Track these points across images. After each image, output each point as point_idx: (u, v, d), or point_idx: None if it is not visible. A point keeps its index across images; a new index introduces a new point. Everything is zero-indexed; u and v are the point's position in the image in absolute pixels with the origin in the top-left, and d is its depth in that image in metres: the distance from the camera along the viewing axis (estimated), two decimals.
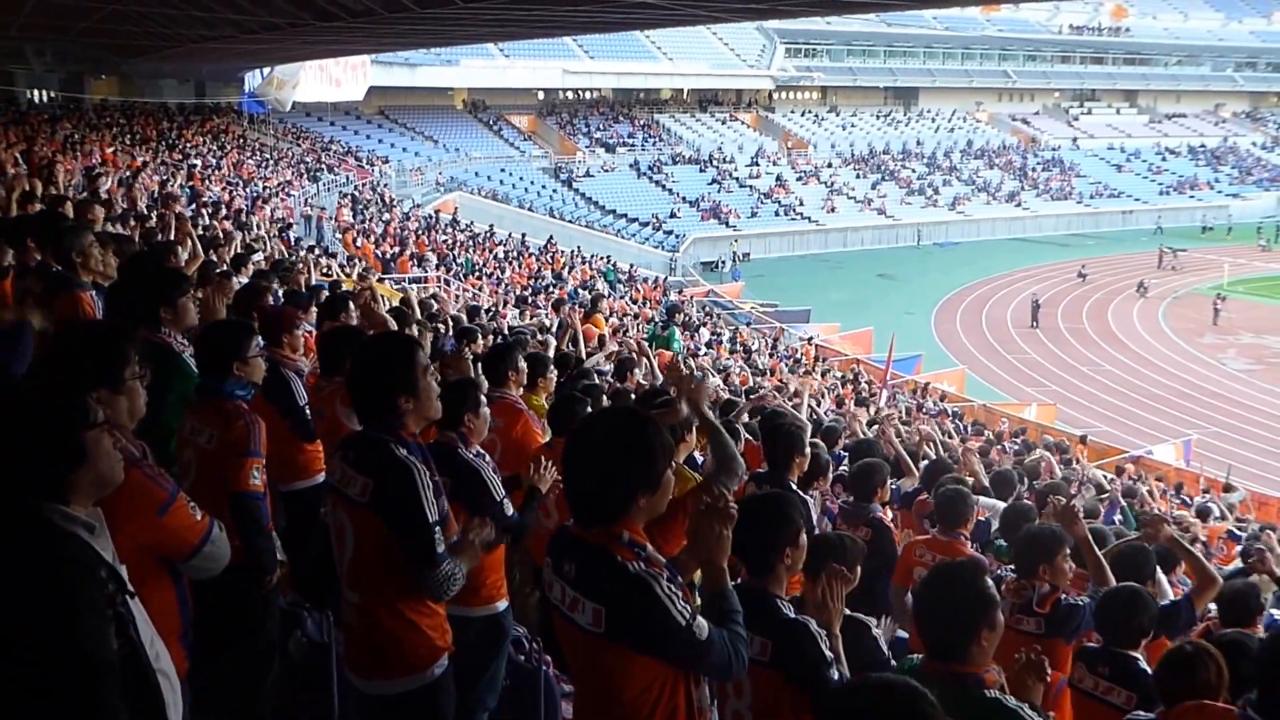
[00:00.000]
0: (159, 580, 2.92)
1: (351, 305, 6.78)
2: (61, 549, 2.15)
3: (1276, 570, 6.12)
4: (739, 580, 3.13)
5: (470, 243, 33.52)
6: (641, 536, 2.57)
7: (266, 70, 35.68)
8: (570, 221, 44.36)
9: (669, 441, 2.61)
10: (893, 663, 3.62)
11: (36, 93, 36.05)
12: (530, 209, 44.46)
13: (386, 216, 32.66)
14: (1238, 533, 12.41)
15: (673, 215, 47.80)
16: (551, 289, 27.98)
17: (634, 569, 2.46)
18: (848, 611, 3.63)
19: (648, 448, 2.53)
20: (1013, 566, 4.72)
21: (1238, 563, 9.11)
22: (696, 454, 5.36)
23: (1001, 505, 6.65)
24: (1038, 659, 3.08)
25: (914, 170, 58.14)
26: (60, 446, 2.24)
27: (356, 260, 22.36)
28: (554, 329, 11.61)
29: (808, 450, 5.05)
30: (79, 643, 2.00)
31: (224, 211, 20.04)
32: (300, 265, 10.87)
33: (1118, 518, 9.93)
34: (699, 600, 2.74)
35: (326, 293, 8.63)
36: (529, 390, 5.66)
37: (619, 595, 2.45)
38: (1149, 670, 3.76)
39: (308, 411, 4.96)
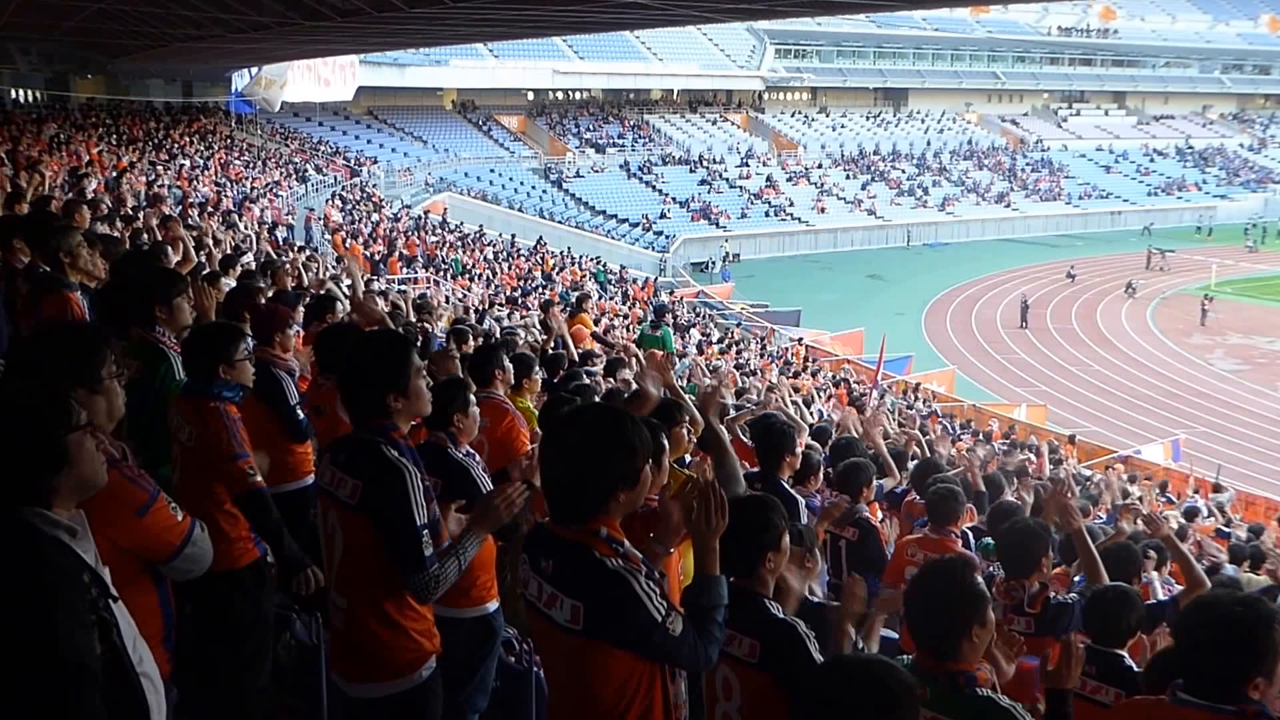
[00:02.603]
0: (141, 583, 2.89)
1: (339, 305, 6.75)
2: (43, 554, 2.11)
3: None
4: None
5: (459, 244, 33.46)
6: (619, 532, 2.57)
7: (254, 70, 35.55)
8: (560, 222, 44.35)
9: (648, 437, 2.59)
10: (860, 645, 3.64)
11: (22, 92, 35.87)
12: (520, 210, 44.44)
13: (375, 217, 32.60)
14: (1226, 531, 12.46)
15: (663, 216, 47.84)
16: (541, 290, 27.96)
17: (612, 565, 2.46)
18: (820, 599, 3.64)
19: (626, 444, 2.52)
20: (1000, 563, 4.71)
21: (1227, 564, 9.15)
22: (687, 456, 5.35)
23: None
24: (1008, 636, 3.09)
25: (904, 171, 58.31)
26: (42, 449, 2.21)
27: (347, 260, 22.27)
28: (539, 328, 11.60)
29: (799, 450, 5.05)
30: (58, 650, 1.97)
31: (211, 211, 19.96)
32: (287, 265, 10.83)
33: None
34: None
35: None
36: (514, 392, 5.63)
37: (598, 591, 2.45)
38: (1135, 668, 3.76)
39: (299, 412, 4.93)
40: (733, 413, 7.62)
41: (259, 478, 3.85)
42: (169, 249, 7.40)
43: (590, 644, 2.48)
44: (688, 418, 4.56)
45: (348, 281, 7.58)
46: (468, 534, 3.14)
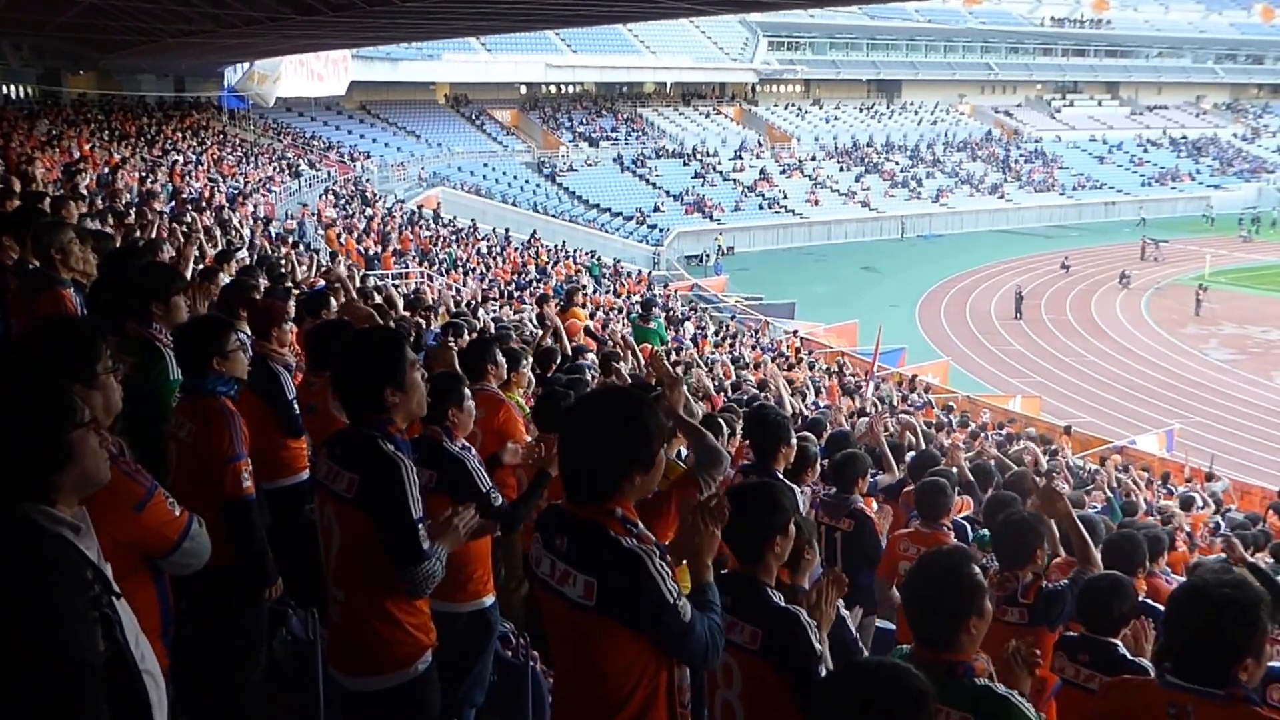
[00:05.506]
0: (139, 578, 2.89)
1: (333, 301, 6.74)
2: (45, 551, 2.11)
3: (1248, 557, 6.19)
4: (726, 570, 3.14)
5: (454, 238, 33.41)
6: (634, 513, 2.62)
7: (246, 65, 35.44)
8: (554, 216, 44.30)
9: (664, 422, 2.66)
10: (860, 644, 3.65)
11: (13, 88, 35.73)
12: (514, 204, 44.36)
13: (369, 212, 32.53)
14: (1222, 522, 12.48)
15: (656, 209, 47.75)
16: (536, 284, 27.93)
17: (627, 544, 2.50)
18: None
19: (644, 427, 2.57)
20: (994, 555, 4.72)
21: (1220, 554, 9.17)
22: (683, 449, 5.35)
23: None
24: (1028, 650, 3.10)
25: (897, 163, 58.29)
26: (46, 446, 2.20)
27: (341, 257, 22.25)
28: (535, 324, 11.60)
29: (794, 441, 5.05)
30: (61, 647, 1.97)
31: (204, 207, 19.90)
32: (284, 263, 10.81)
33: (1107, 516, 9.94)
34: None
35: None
36: (503, 386, 5.63)
37: (612, 568, 2.49)
38: (1129, 657, 3.77)
39: (295, 406, 4.93)
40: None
41: (250, 484, 3.83)
42: (165, 245, 7.39)
43: (601, 621, 2.50)
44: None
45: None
46: (437, 544, 3.16)
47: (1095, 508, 9.99)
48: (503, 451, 4.70)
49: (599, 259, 36.16)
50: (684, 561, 2.75)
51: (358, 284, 8.89)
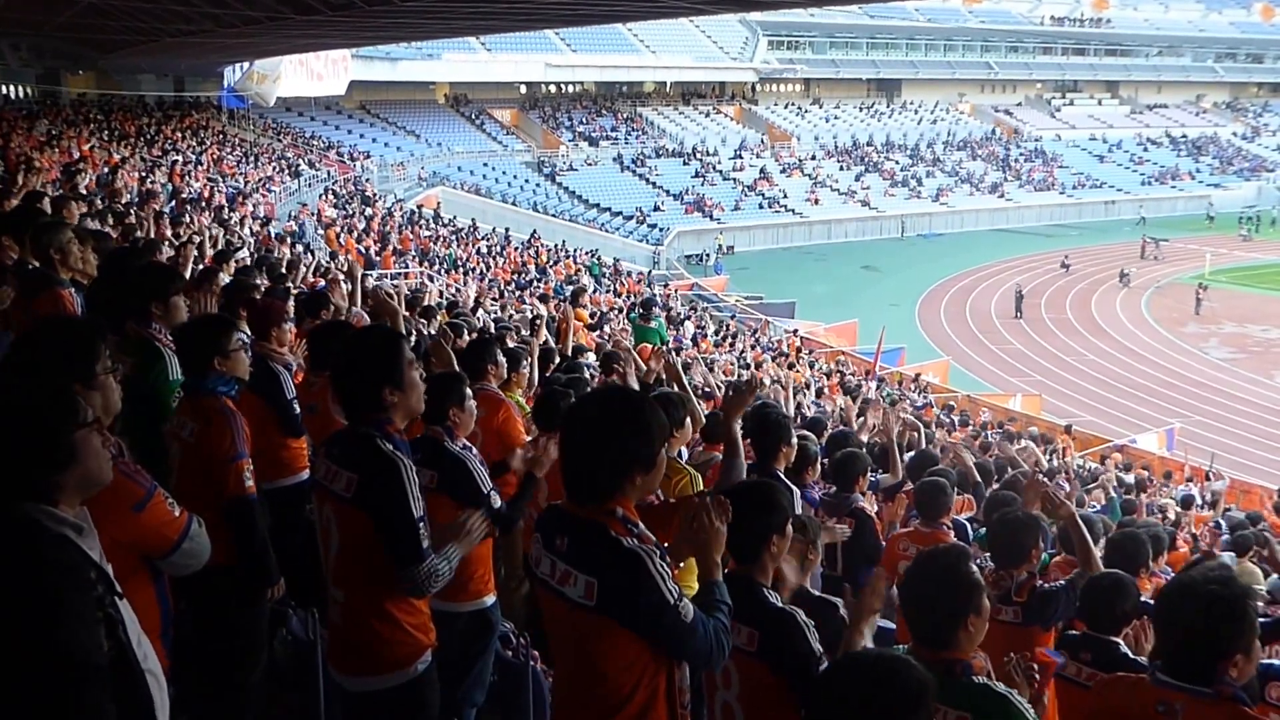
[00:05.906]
0: (138, 578, 2.89)
1: (331, 303, 6.73)
2: (48, 551, 2.11)
3: None
4: (725, 570, 3.14)
5: (453, 238, 33.41)
6: (634, 514, 2.62)
7: (246, 65, 35.43)
8: (554, 215, 44.30)
9: (665, 421, 2.67)
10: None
11: (12, 88, 35.70)
12: (514, 203, 44.34)
13: (369, 212, 32.53)
14: (1221, 521, 12.48)
15: (656, 209, 47.74)
16: (536, 284, 27.95)
17: (628, 544, 2.50)
18: (818, 593, 3.63)
19: (645, 427, 2.58)
20: (990, 554, 4.70)
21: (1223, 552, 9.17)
22: (684, 449, 5.35)
23: None
24: (1027, 665, 3.10)
25: (897, 162, 58.26)
26: (49, 447, 2.20)
27: (341, 256, 22.25)
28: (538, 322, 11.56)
29: (795, 440, 5.05)
30: (62, 647, 1.97)
31: (204, 207, 19.90)
32: (280, 262, 10.80)
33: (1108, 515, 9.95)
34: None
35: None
36: (502, 387, 5.63)
37: (612, 568, 2.49)
38: (1130, 655, 3.77)
39: (295, 406, 4.93)
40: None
41: (251, 484, 3.83)
42: (163, 245, 7.39)
43: (602, 621, 2.50)
44: (688, 413, 4.57)
45: (348, 287, 7.55)
46: (451, 547, 3.16)
47: (1095, 507, 10.00)
48: (511, 458, 4.67)
49: (599, 258, 36.17)
50: (685, 563, 2.75)
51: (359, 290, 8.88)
